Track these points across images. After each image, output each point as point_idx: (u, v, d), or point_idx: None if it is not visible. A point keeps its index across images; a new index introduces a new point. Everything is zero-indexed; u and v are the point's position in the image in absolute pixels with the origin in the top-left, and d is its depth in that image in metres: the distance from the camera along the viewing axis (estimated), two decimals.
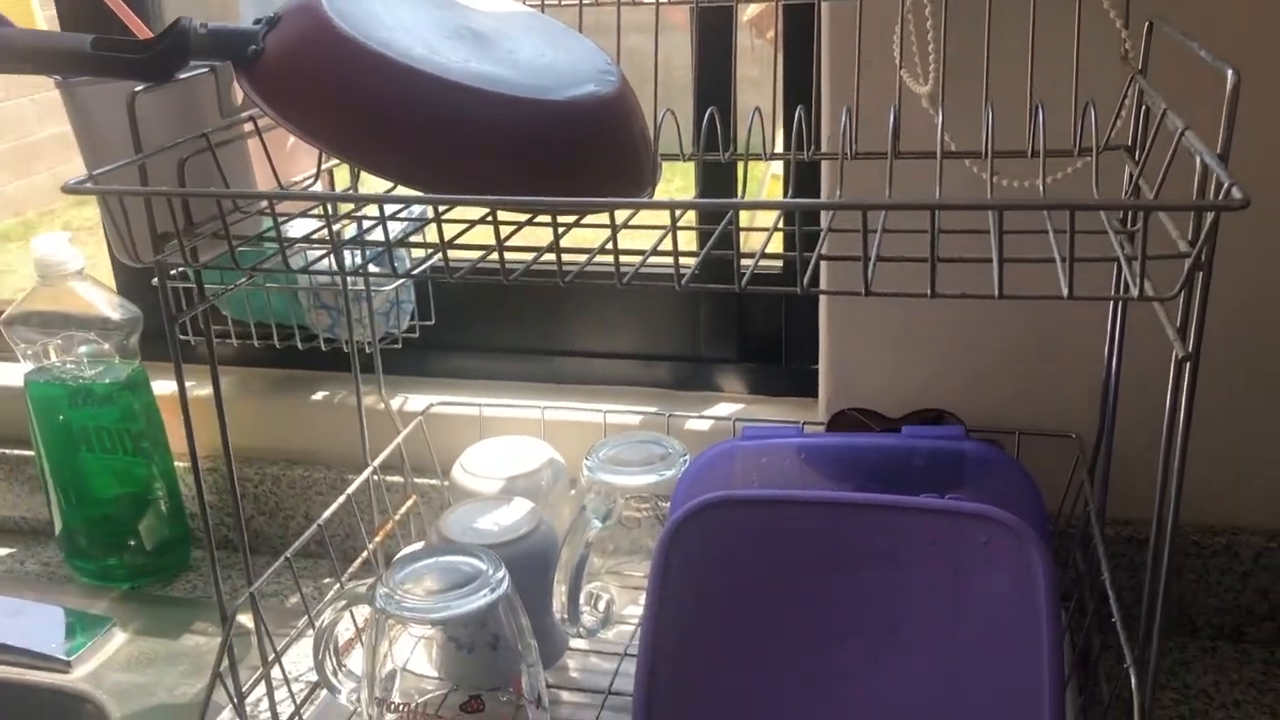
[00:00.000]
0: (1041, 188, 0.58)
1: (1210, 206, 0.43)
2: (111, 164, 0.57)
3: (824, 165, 0.81)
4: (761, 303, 0.97)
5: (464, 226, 0.58)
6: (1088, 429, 0.82)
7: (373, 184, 0.65)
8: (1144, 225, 0.43)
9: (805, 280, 0.47)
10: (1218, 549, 0.82)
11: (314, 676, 0.79)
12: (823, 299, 0.87)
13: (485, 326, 1.03)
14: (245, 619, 0.84)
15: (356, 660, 0.79)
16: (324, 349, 0.98)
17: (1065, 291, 0.45)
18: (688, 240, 0.92)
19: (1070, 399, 0.83)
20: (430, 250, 0.54)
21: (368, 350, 0.94)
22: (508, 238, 0.53)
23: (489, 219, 0.55)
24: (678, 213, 0.49)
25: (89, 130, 0.63)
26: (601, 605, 0.81)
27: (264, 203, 0.61)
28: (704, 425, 0.93)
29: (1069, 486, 0.81)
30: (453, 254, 0.56)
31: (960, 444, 0.73)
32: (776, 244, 0.59)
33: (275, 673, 0.73)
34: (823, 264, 0.85)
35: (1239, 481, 0.82)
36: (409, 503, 0.95)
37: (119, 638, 0.91)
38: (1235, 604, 0.84)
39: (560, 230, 0.53)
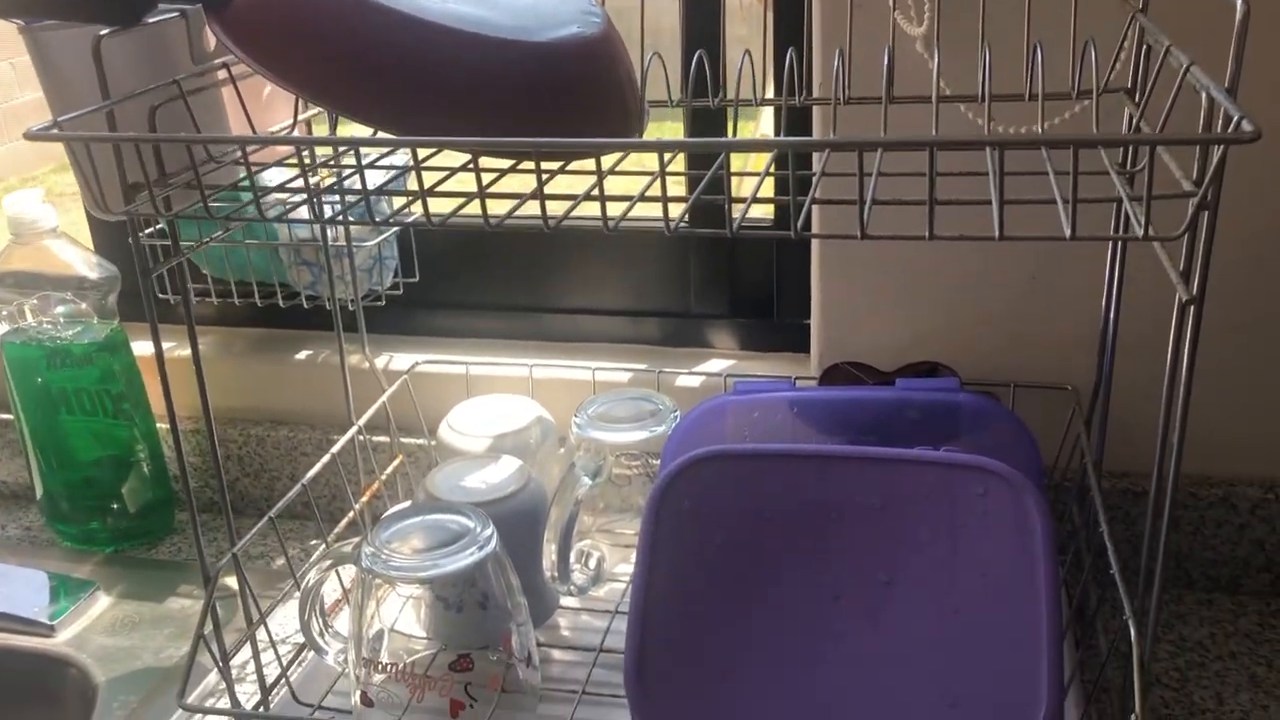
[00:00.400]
0: (1040, 130, 0.56)
1: (1219, 139, 0.41)
2: (76, 111, 0.55)
3: (815, 112, 0.80)
4: (752, 257, 0.95)
5: (445, 174, 0.56)
6: (1083, 381, 0.81)
7: (352, 133, 0.63)
8: (1150, 161, 0.42)
9: (799, 224, 0.45)
10: (1214, 500, 0.82)
11: (301, 638, 0.78)
12: (815, 251, 0.85)
13: (471, 283, 1.02)
14: (231, 581, 0.83)
15: (344, 622, 0.78)
16: (306, 306, 0.96)
17: (1068, 232, 0.44)
18: (676, 188, 0.91)
19: (1065, 351, 0.82)
20: (410, 198, 0.52)
21: (350, 308, 0.92)
22: (489, 184, 0.51)
23: (470, 166, 0.53)
24: (666, 156, 0.47)
25: (54, 77, 0.61)
26: (592, 563, 0.80)
27: (238, 151, 0.59)
28: (695, 382, 0.92)
29: (1065, 439, 0.80)
30: (435, 204, 0.54)
31: (955, 396, 0.72)
32: (768, 190, 0.57)
33: (261, 635, 0.72)
34: (815, 213, 0.84)
35: (1237, 432, 0.81)
36: (395, 462, 0.93)
37: (103, 601, 0.90)
38: (1232, 555, 0.83)
39: (544, 177, 0.52)
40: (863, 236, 0.45)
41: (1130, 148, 0.62)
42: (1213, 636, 0.79)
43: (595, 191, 0.50)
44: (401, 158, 0.74)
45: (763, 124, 1.04)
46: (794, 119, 0.82)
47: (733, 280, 0.96)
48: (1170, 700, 0.74)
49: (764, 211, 0.94)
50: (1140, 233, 0.43)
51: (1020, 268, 0.81)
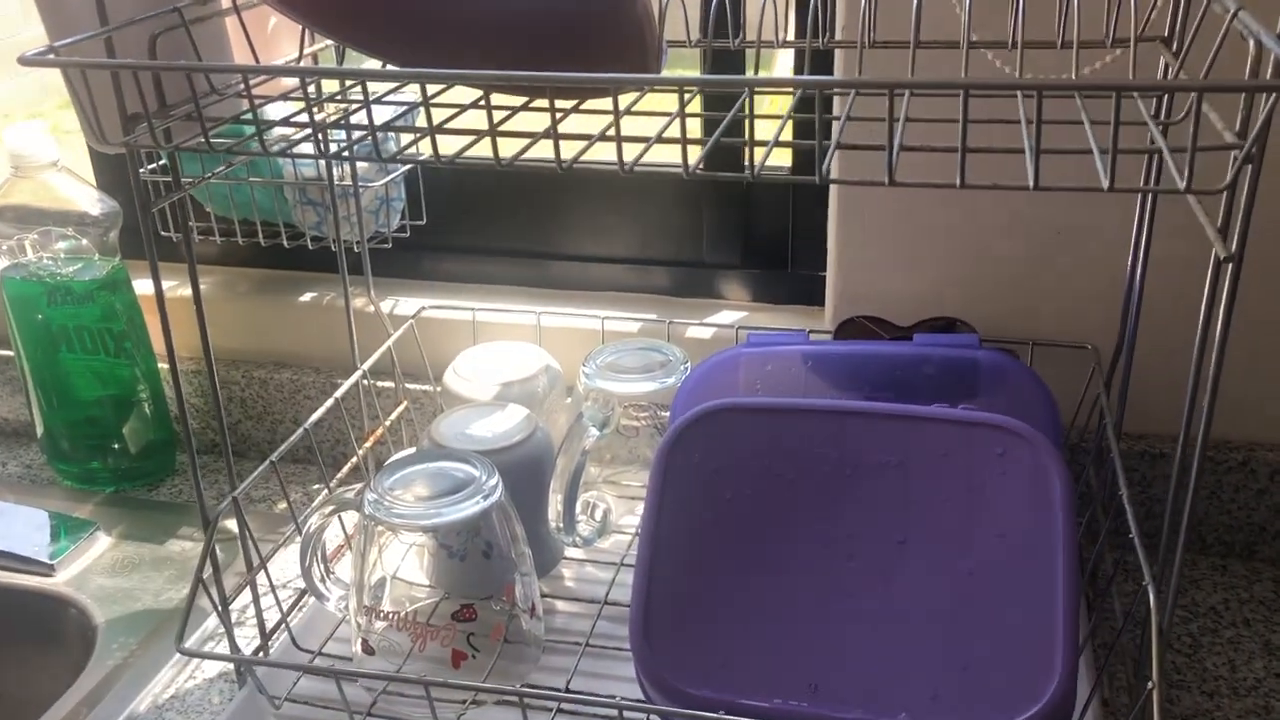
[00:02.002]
0: (1075, 79, 0.54)
1: (1270, 87, 0.39)
2: (73, 37, 0.53)
3: (837, 57, 0.77)
4: (767, 206, 0.93)
5: (454, 111, 0.54)
6: (1103, 340, 0.79)
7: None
8: (1196, 110, 0.40)
9: (826, 167, 0.43)
10: (1233, 465, 0.80)
11: (300, 584, 0.78)
12: (833, 202, 0.83)
13: (478, 228, 1.00)
14: (232, 525, 0.82)
15: (344, 568, 0.77)
16: (310, 248, 0.94)
17: (1106, 184, 0.42)
18: (693, 132, 0.88)
19: (1086, 309, 0.80)
20: (418, 136, 0.50)
21: (356, 250, 0.91)
22: (501, 122, 0.49)
23: (481, 103, 0.51)
24: (686, 95, 0.45)
25: (52, 2, 0.58)
26: (598, 514, 0.79)
27: (240, 84, 0.57)
28: (705, 333, 0.90)
29: (1083, 399, 0.78)
30: (444, 143, 0.52)
31: (974, 353, 0.70)
32: (786, 135, 0.55)
33: (260, 580, 0.71)
34: (836, 159, 0.82)
35: (1258, 395, 0.79)
36: (399, 408, 0.92)
37: (103, 542, 0.89)
38: (1248, 521, 0.81)
39: (558, 116, 0.49)
40: (891, 183, 0.43)
41: (1167, 98, 0.60)
42: (1226, 603, 0.78)
43: (611, 131, 0.48)
44: (410, 94, 0.72)
45: (777, 71, 1.01)
46: (814, 65, 0.79)
47: (746, 230, 0.94)
48: (1182, 666, 0.73)
49: (781, 158, 0.92)
50: (1182, 185, 0.41)
51: (1044, 223, 0.79)
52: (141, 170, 0.93)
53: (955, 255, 0.81)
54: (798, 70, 0.86)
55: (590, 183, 0.95)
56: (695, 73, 0.85)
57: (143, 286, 0.95)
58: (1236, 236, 0.45)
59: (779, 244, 0.93)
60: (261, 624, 0.72)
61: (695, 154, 0.48)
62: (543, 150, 0.51)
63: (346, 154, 0.50)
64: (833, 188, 0.84)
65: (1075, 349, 0.80)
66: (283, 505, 0.92)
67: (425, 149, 0.51)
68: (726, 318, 0.92)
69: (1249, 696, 0.70)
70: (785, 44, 0.66)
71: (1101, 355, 0.79)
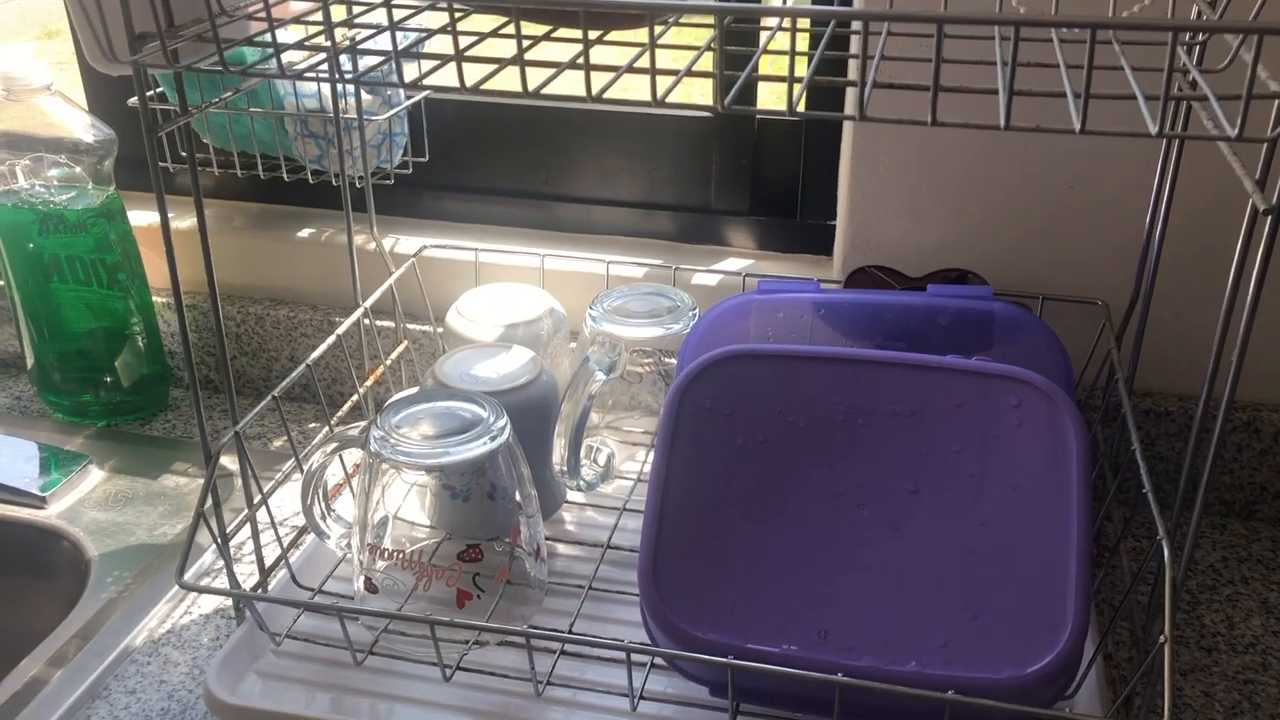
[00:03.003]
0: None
1: None
2: None
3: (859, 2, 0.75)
4: (776, 152, 0.92)
5: (475, 39, 0.53)
6: (1113, 296, 0.78)
7: None
8: (1256, 53, 0.39)
9: (864, 104, 0.42)
10: (1237, 425, 0.80)
11: (299, 521, 0.77)
12: (845, 149, 0.82)
13: (482, 167, 0.98)
14: (228, 461, 0.81)
15: (344, 506, 0.76)
16: (311, 181, 0.92)
17: (1152, 128, 0.41)
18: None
19: (1097, 264, 0.79)
20: (438, 62, 0.49)
21: (358, 185, 0.89)
22: (526, 50, 0.48)
23: (501, 32, 0.49)
24: (726, 22, 0.43)
25: None
26: (602, 459, 0.78)
27: (254, 5, 0.55)
28: (711, 280, 0.89)
29: (1092, 354, 0.78)
30: (456, 73, 0.50)
31: (988, 305, 0.69)
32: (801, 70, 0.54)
33: (261, 516, 0.70)
34: (851, 97, 0.80)
35: (1264, 356, 0.79)
36: (400, 347, 0.91)
37: (95, 475, 0.88)
38: (1250, 481, 0.82)
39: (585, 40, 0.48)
40: (934, 123, 0.41)
41: (1199, 46, 0.58)
42: (1225, 560, 0.79)
43: (640, 64, 0.47)
44: (423, 22, 0.70)
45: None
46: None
47: (755, 176, 0.93)
48: (1181, 623, 0.73)
49: (780, 100, 0.90)
50: (1232, 133, 0.40)
51: (1059, 177, 0.78)
52: (134, 99, 0.91)
53: (966, 207, 0.80)
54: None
55: (597, 124, 0.93)
56: (701, 35, 0.84)
57: (137, 218, 0.93)
58: (1279, 189, 0.44)
59: (788, 191, 0.92)
60: (260, 560, 0.71)
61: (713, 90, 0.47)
62: (565, 84, 0.50)
63: (366, 80, 0.48)
64: (845, 134, 0.82)
65: (1085, 304, 0.79)
66: (278, 442, 0.91)
67: (444, 78, 0.50)
68: (733, 265, 0.91)
69: (1246, 653, 0.70)
70: None
71: (1112, 311, 0.78)
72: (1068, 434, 0.58)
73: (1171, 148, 0.67)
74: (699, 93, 0.87)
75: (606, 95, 0.46)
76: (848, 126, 0.80)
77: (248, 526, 0.69)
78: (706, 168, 0.93)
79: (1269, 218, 0.45)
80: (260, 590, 0.70)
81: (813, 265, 0.91)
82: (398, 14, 0.54)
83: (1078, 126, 0.40)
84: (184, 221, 0.92)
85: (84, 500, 0.85)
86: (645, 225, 0.96)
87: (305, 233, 0.97)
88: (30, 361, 0.95)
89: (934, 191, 0.80)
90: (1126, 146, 0.75)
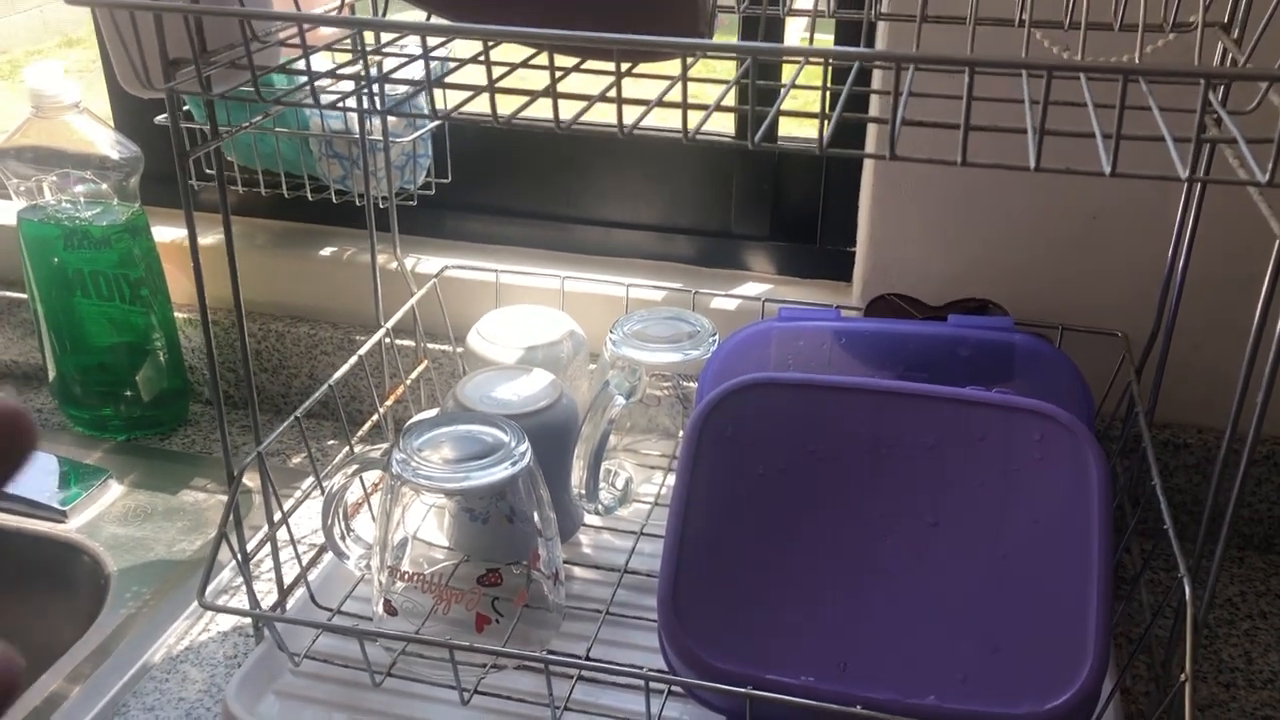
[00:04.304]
0: (1138, 62, 0.53)
1: None
2: None
3: (881, 31, 0.76)
4: (797, 178, 0.92)
5: (506, 70, 0.53)
6: (1133, 327, 0.78)
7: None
8: None
9: (894, 144, 0.42)
10: (1258, 459, 0.80)
11: (318, 539, 0.77)
12: (866, 177, 0.82)
13: (503, 188, 0.98)
14: (248, 479, 0.82)
15: (362, 525, 0.76)
16: (335, 201, 0.93)
17: (1183, 172, 0.41)
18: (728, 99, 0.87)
19: (1117, 295, 0.79)
20: (474, 93, 0.49)
21: (381, 205, 0.89)
22: (557, 82, 0.48)
23: (531, 63, 0.50)
24: (752, 60, 0.44)
25: None
26: (620, 483, 0.78)
27: (286, 32, 0.56)
28: (730, 304, 0.90)
29: (1112, 386, 0.78)
30: (487, 102, 0.51)
31: (1010, 336, 0.69)
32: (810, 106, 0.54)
33: (281, 534, 0.70)
34: (874, 132, 0.81)
35: None
36: (420, 367, 0.91)
37: (115, 490, 0.88)
38: (1269, 515, 0.81)
39: (613, 77, 0.48)
40: (963, 163, 0.42)
41: (1224, 88, 0.59)
42: (1243, 595, 0.78)
43: (670, 98, 0.47)
44: (450, 49, 0.70)
45: (791, 40, 0.99)
46: (853, 38, 0.78)
47: (775, 201, 0.93)
48: (1198, 657, 0.73)
49: (799, 127, 0.91)
50: (1263, 178, 0.40)
51: (1081, 208, 0.78)
52: (160, 117, 0.92)
53: (987, 236, 0.80)
54: (839, 42, 0.85)
55: (618, 147, 0.94)
56: (731, 39, 0.84)
57: (161, 234, 0.94)
58: None
59: (809, 217, 0.93)
60: (280, 579, 0.71)
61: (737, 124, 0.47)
62: (594, 113, 0.50)
63: (397, 111, 0.49)
64: (867, 162, 0.83)
65: (1105, 335, 0.79)
66: (297, 459, 0.91)
67: (477, 107, 0.50)
68: (752, 289, 0.92)
69: (1265, 689, 0.70)
70: (836, 14, 0.65)
71: (1132, 343, 0.78)
72: (1089, 469, 0.58)
73: (1194, 184, 0.67)
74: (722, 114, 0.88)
75: (639, 122, 0.46)
76: (871, 139, 0.81)
77: (266, 544, 0.69)
78: (727, 192, 0.94)
79: None
80: (279, 610, 0.70)
81: (832, 291, 0.91)
82: (429, 41, 0.54)
83: (1108, 169, 0.41)
84: (208, 238, 0.92)
85: (104, 515, 0.85)
86: (665, 249, 0.96)
87: (327, 251, 0.97)
88: (52, 374, 0.96)
89: (955, 220, 0.80)
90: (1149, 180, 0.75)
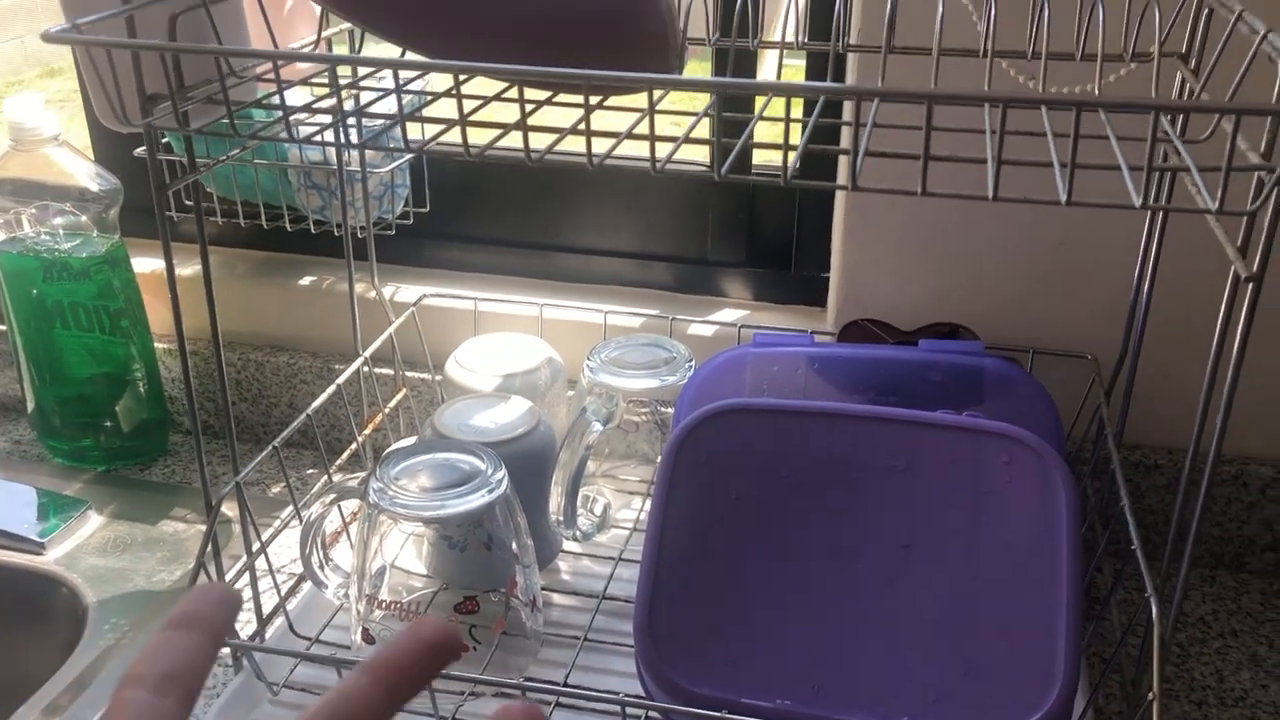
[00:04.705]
0: (1098, 92, 0.54)
1: None
2: (96, 14, 0.52)
3: (851, 62, 0.77)
4: (772, 205, 0.93)
5: (479, 103, 0.54)
6: (1103, 351, 0.80)
7: (378, 55, 0.61)
8: (1234, 130, 0.40)
9: (856, 175, 0.43)
10: (1226, 478, 0.81)
11: (297, 569, 0.77)
12: (839, 205, 0.83)
13: (481, 217, 0.99)
14: (227, 508, 0.82)
15: (339, 553, 0.76)
16: (313, 231, 0.94)
17: (1136, 200, 0.42)
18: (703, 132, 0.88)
19: (1087, 319, 0.81)
20: (443, 126, 0.50)
21: (360, 235, 0.90)
22: (528, 115, 0.49)
23: (509, 94, 0.50)
24: (719, 94, 0.45)
25: None
26: (598, 509, 0.79)
27: (262, 67, 0.57)
28: (707, 330, 0.90)
29: (1082, 409, 0.79)
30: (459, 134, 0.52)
31: (980, 360, 0.70)
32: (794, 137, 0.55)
33: (259, 564, 0.71)
34: (842, 164, 0.82)
35: (1252, 411, 0.80)
36: (399, 395, 0.91)
37: (94, 521, 0.88)
38: (1239, 533, 0.82)
39: (587, 109, 0.49)
40: (924, 193, 0.43)
41: (1185, 116, 0.60)
42: (1215, 613, 0.79)
43: (639, 129, 0.48)
44: (426, 83, 0.71)
45: (766, 69, 1.01)
46: (825, 70, 0.80)
47: (751, 228, 0.94)
48: (1171, 676, 0.73)
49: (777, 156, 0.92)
50: (1212, 205, 0.41)
51: (1048, 233, 0.79)
52: (140, 150, 0.93)
53: (958, 261, 0.81)
54: (810, 73, 0.86)
55: (596, 176, 0.95)
56: (705, 71, 0.85)
57: (140, 264, 0.94)
58: (1259, 257, 0.45)
59: (783, 244, 0.94)
60: (259, 609, 0.72)
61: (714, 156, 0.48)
62: (566, 144, 0.51)
63: (372, 145, 0.49)
64: (837, 193, 0.84)
65: (1075, 358, 0.80)
66: (276, 489, 0.91)
67: (450, 139, 0.51)
68: (728, 316, 0.93)
69: (1236, 707, 0.71)
70: (804, 46, 0.66)
71: (1101, 366, 0.79)
72: (1058, 491, 0.59)
73: (1158, 211, 0.68)
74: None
75: (607, 156, 0.47)
76: (842, 172, 0.82)
77: (245, 573, 0.69)
78: (703, 220, 0.95)
79: (1250, 284, 0.46)
80: (258, 639, 0.70)
81: (807, 317, 0.92)
82: (402, 75, 0.55)
83: (1064, 198, 0.42)
84: (187, 269, 0.93)
85: (82, 546, 0.85)
86: (643, 275, 0.97)
87: (306, 280, 0.98)
88: (31, 406, 0.96)
89: (926, 246, 0.81)
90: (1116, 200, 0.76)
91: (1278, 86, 0.45)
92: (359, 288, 0.87)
